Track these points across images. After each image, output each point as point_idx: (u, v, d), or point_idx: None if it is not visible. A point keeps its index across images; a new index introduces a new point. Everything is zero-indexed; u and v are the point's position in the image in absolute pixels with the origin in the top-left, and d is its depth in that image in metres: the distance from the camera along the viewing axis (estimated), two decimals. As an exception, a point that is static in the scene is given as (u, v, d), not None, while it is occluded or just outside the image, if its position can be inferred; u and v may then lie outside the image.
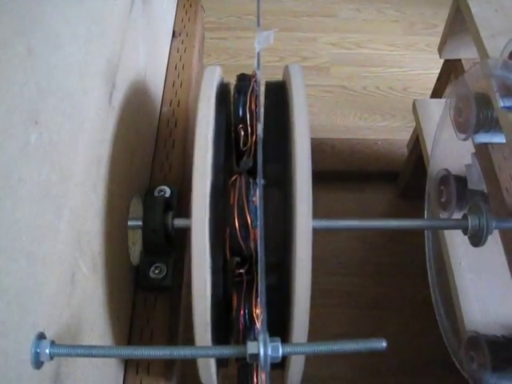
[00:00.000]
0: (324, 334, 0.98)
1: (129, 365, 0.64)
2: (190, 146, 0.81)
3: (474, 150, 0.79)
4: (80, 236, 0.48)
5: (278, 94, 0.59)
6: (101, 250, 0.55)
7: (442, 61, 0.98)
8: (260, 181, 0.48)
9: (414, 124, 1.03)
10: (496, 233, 0.66)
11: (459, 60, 0.91)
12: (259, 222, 0.46)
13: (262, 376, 0.53)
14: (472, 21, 0.72)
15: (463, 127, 0.72)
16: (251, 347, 0.38)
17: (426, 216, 0.85)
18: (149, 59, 0.77)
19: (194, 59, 0.93)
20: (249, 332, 0.52)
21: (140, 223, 0.61)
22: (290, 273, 0.49)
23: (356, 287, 1.09)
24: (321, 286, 1.06)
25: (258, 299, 0.50)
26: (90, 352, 0.42)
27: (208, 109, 0.54)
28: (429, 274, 0.79)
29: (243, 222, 0.51)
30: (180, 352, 0.42)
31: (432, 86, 1.06)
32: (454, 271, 0.78)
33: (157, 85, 0.84)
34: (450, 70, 0.96)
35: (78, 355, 0.41)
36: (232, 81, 0.63)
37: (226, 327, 0.55)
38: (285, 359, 0.53)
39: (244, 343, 0.39)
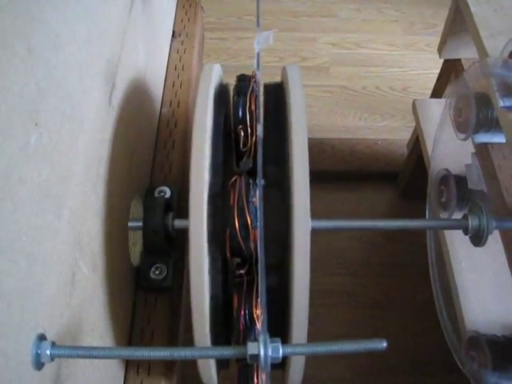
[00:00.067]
0: (324, 334, 0.98)
1: (129, 365, 0.64)
2: (190, 146, 0.81)
3: (474, 150, 0.79)
4: (80, 236, 0.48)
5: (276, 95, 0.59)
6: (101, 250, 0.55)
7: (442, 61, 0.98)
8: (260, 181, 0.48)
9: (414, 124, 1.03)
10: (496, 233, 0.66)
11: (459, 60, 0.91)
12: (259, 223, 0.46)
13: (263, 376, 0.53)
14: (472, 20, 0.72)
15: (463, 127, 0.72)
16: (251, 348, 0.38)
17: (426, 216, 0.85)
18: (148, 59, 0.77)
19: (193, 59, 0.93)
20: (249, 333, 0.52)
21: (140, 224, 0.61)
22: (290, 273, 0.49)
23: (356, 287, 1.09)
24: (321, 286, 1.06)
25: (259, 300, 0.50)
26: (90, 353, 0.42)
27: (205, 108, 0.54)
28: (431, 274, 0.79)
29: (243, 222, 0.51)
30: (180, 353, 0.42)
31: (432, 85, 1.06)
32: (454, 271, 0.78)
33: (156, 85, 0.84)
34: (450, 70, 0.96)
35: (78, 356, 0.41)
36: (232, 81, 0.63)
37: (227, 328, 0.55)
38: (285, 360, 0.53)
39: (244, 344, 0.39)
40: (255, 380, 0.57)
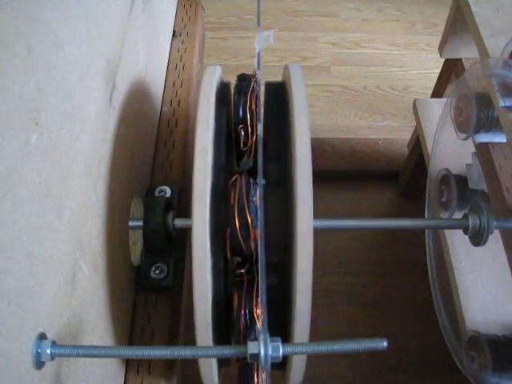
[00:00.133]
0: (324, 333, 0.98)
1: (130, 365, 0.64)
2: (190, 146, 0.81)
3: (474, 150, 0.79)
4: (81, 236, 0.48)
5: (278, 94, 0.59)
6: (102, 250, 0.55)
7: (443, 60, 0.98)
8: (260, 181, 0.48)
9: (415, 123, 1.03)
10: (497, 232, 0.66)
11: (460, 59, 0.91)
12: (259, 222, 0.46)
13: (263, 376, 0.53)
14: (472, 20, 0.72)
15: (464, 127, 0.72)
16: (252, 347, 0.38)
17: (426, 216, 0.85)
18: (149, 59, 0.77)
19: (194, 59, 0.93)
20: (249, 332, 0.52)
21: (141, 223, 0.61)
22: (291, 273, 0.49)
23: (357, 287, 1.09)
24: (321, 285, 1.06)
25: (259, 299, 0.50)
26: (91, 352, 0.42)
27: (208, 109, 0.54)
28: (429, 274, 0.79)
29: (244, 221, 0.51)
30: (181, 352, 0.42)
31: (432, 85, 1.06)
32: (454, 271, 0.78)
33: (157, 85, 0.84)
34: (451, 70, 0.96)
35: (79, 355, 0.41)
36: (232, 81, 0.63)
37: (227, 327, 0.55)
38: (286, 359, 0.53)
39: (245, 343, 0.39)
40: (255, 379, 0.57)
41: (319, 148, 1.21)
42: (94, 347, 0.43)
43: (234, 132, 0.60)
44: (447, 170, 0.82)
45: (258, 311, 0.52)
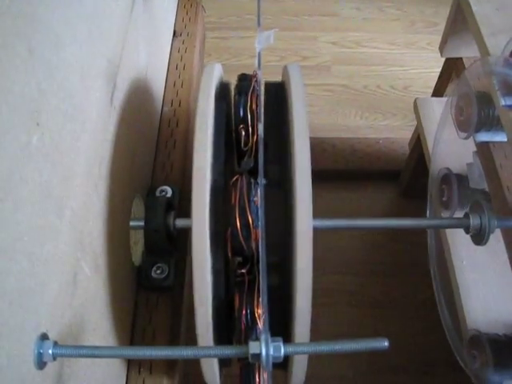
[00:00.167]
0: (325, 333, 0.98)
1: (131, 364, 0.64)
2: (191, 145, 0.81)
3: (475, 149, 0.78)
4: (82, 236, 0.49)
5: (277, 94, 0.59)
6: (103, 250, 0.55)
7: (443, 59, 0.98)
8: (261, 181, 0.48)
9: (415, 123, 1.03)
10: (498, 231, 0.66)
11: (460, 58, 0.91)
12: (260, 222, 0.46)
13: (265, 376, 0.53)
14: (473, 19, 0.72)
15: (464, 126, 0.72)
16: (253, 347, 0.38)
17: (427, 215, 0.85)
18: (150, 59, 0.77)
19: (194, 59, 0.93)
20: (251, 332, 0.52)
21: (142, 223, 0.61)
22: (291, 272, 0.49)
23: (357, 286, 1.09)
24: (322, 285, 1.06)
25: (260, 299, 0.50)
26: (92, 352, 0.42)
27: (207, 108, 0.54)
28: (431, 273, 0.79)
29: (244, 222, 0.51)
30: (182, 352, 0.42)
31: (433, 84, 1.06)
32: (455, 270, 0.78)
33: (158, 85, 0.84)
34: (451, 69, 0.96)
35: (80, 356, 0.41)
36: (233, 80, 0.63)
37: (228, 327, 0.55)
38: (288, 359, 0.53)
39: (246, 343, 0.39)
40: (257, 379, 0.57)
41: (319, 147, 1.21)
42: (96, 347, 0.43)
43: (234, 132, 0.60)
44: (448, 169, 0.82)
45: (260, 311, 0.52)
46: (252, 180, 0.54)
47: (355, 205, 1.19)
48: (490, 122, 0.69)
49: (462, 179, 0.80)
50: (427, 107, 0.98)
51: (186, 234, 0.69)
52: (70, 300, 0.46)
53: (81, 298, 0.49)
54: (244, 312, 0.52)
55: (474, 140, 0.74)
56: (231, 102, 0.61)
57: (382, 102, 1.40)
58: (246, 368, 0.57)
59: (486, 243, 0.59)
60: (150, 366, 0.64)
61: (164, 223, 0.60)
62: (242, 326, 0.52)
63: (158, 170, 0.78)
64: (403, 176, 1.19)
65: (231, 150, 0.62)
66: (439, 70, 1.02)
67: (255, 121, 0.58)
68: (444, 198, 0.82)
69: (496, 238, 0.66)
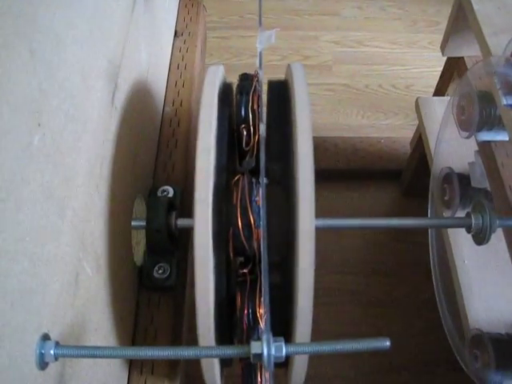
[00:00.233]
0: (326, 332, 0.98)
1: (133, 365, 0.64)
2: (192, 145, 0.81)
3: (477, 148, 0.78)
4: (83, 237, 0.49)
5: (281, 92, 0.59)
6: (104, 250, 0.55)
7: (445, 58, 0.98)
8: (263, 181, 0.48)
9: (417, 122, 1.03)
10: (500, 231, 0.66)
11: (462, 58, 0.91)
12: (262, 222, 0.46)
13: (266, 375, 0.53)
14: (474, 18, 0.72)
15: (466, 125, 0.72)
16: (255, 347, 0.38)
17: (429, 214, 0.85)
18: (151, 59, 0.77)
19: (196, 59, 0.93)
20: (252, 332, 0.52)
21: (143, 223, 0.61)
22: (293, 272, 0.49)
23: (359, 286, 1.09)
24: (324, 284, 1.06)
25: (262, 299, 0.50)
26: (94, 353, 0.42)
27: (210, 109, 0.54)
28: (432, 273, 0.79)
29: (246, 221, 0.51)
30: (184, 352, 0.42)
31: (435, 83, 1.06)
32: (457, 269, 0.78)
33: (159, 85, 0.84)
34: (453, 68, 0.96)
35: (82, 356, 0.41)
36: (234, 80, 0.63)
37: (230, 327, 0.55)
38: (288, 358, 0.53)
39: (248, 343, 0.39)
40: (259, 379, 0.57)
41: (321, 147, 1.21)
42: (98, 348, 0.43)
43: (236, 132, 0.60)
44: (450, 168, 0.82)
45: (261, 311, 0.52)
46: (254, 180, 0.54)
47: (357, 204, 1.19)
48: (491, 121, 0.69)
49: (463, 178, 0.80)
50: (429, 106, 0.98)
51: (187, 233, 0.69)
52: (71, 300, 0.46)
53: (82, 298, 0.49)
54: (246, 312, 0.52)
55: (476, 139, 0.74)
56: (233, 101, 0.61)
57: (384, 101, 1.40)
58: (247, 368, 0.57)
59: (487, 242, 0.59)
60: (151, 366, 0.64)
61: (166, 223, 0.60)
62: (244, 326, 0.52)
63: (159, 170, 0.78)
64: (405, 175, 1.19)
65: (233, 149, 0.62)
66: (441, 69, 1.02)
67: (257, 120, 0.58)
68: (446, 198, 0.82)
69: (498, 238, 0.66)
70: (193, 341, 0.52)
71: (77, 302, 0.47)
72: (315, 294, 0.49)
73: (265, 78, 0.58)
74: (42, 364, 0.40)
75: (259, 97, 0.58)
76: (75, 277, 0.47)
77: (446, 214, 0.81)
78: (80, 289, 0.48)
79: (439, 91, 1.04)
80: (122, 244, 0.62)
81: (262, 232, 0.46)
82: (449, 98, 0.79)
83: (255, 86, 0.59)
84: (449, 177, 0.82)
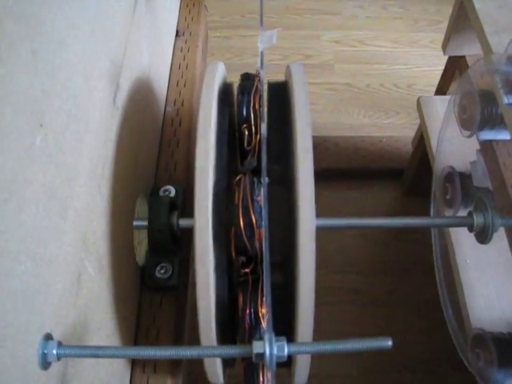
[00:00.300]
0: (328, 332, 0.98)
1: (135, 364, 0.64)
2: (194, 145, 0.81)
3: (478, 147, 0.78)
4: (86, 237, 0.49)
5: (280, 93, 0.59)
6: (106, 250, 0.55)
7: (446, 57, 0.98)
8: (264, 180, 0.48)
9: (419, 121, 1.03)
10: (502, 230, 0.66)
11: (463, 57, 0.91)
12: (264, 222, 0.46)
13: (269, 375, 0.53)
14: (476, 17, 0.72)
15: (468, 124, 0.72)
16: (257, 347, 0.38)
17: (431, 213, 0.85)
18: (152, 59, 0.77)
19: (197, 58, 0.93)
20: (254, 331, 0.52)
21: (145, 223, 0.61)
22: (295, 271, 0.49)
23: (361, 285, 1.09)
24: (326, 284, 1.06)
25: (264, 298, 0.50)
26: (96, 352, 0.42)
27: (209, 107, 0.54)
28: (436, 272, 0.79)
29: (248, 221, 0.51)
30: (186, 352, 0.42)
31: (436, 82, 1.06)
32: (459, 268, 0.78)
33: (161, 84, 0.84)
34: (455, 67, 0.96)
35: (84, 356, 0.42)
36: (235, 80, 0.63)
37: (232, 327, 0.55)
38: (291, 358, 0.53)
39: (250, 343, 0.39)
40: (261, 378, 0.57)
41: (322, 146, 1.21)
42: (100, 347, 0.43)
43: (237, 132, 0.60)
44: (451, 167, 0.82)
45: (263, 310, 0.52)
46: (255, 179, 0.54)
47: (358, 203, 1.19)
48: (493, 120, 0.69)
49: (465, 177, 0.80)
50: (430, 105, 0.98)
51: (189, 233, 0.69)
52: (74, 300, 0.46)
53: (85, 298, 0.49)
54: (248, 311, 0.53)
55: (478, 138, 0.74)
56: (234, 101, 0.61)
57: (385, 100, 1.40)
58: (249, 367, 0.58)
59: (489, 242, 0.59)
60: (154, 365, 0.64)
61: (168, 223, 0.60)
62: (246, 326, 0.53)
63: (161, 170, 0.78)
64: (406, 174, 1.19)
65: (234, 149, 0.62)
66: (442, 68, 1.02)
67: (258, 120, 0.58)
68: (447, 197, 0.82)
69: (500, 237, 0.66)
70: (195, 340, 0.52)
71: (79, 302, 0.47)
72: (317, 294, 0.49)
73: (266, 78, 0.58)
74: (45, 364, 0.40)
75: (261, 96, 0.58)
76: (77, 277, 0.47)
77: (448, 213, 0.81)
78: (82, 289, 0.48)
79: (441, 90, 1.04)
80: (124, 244, 0.62)
81: (263, 232, 0.46)
82: (450, 97, 0.79)
83: (257, 86, 0.59)
84: (451, 176, 0.82)
